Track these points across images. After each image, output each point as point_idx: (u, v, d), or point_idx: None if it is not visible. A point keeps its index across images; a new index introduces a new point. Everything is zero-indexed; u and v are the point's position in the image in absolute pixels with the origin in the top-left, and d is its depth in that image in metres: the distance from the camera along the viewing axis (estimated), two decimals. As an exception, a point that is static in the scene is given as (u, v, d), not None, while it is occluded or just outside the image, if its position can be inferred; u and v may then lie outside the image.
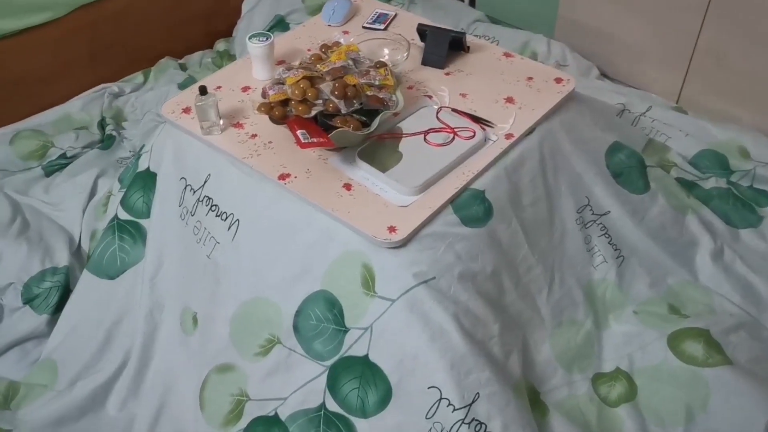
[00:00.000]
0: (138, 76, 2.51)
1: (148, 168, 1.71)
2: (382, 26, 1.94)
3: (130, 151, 2.19)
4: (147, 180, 1.70)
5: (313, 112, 1.50)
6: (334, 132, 1.47)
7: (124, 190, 1.74)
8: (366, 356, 1.39)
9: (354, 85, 1.52)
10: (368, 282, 1.39)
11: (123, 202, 1.72)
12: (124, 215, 1.72)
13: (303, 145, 1.42)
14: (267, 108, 1.51)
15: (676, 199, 1.86)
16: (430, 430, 1.35)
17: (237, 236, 1.52)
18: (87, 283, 1.71)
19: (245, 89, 1.75)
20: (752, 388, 1.49)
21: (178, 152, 1.65)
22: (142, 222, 1.70)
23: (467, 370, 1.35)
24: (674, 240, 1.81)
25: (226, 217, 1.54)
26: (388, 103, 1.55)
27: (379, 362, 1.38)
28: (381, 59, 1.68)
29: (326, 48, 1.70)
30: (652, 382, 1.57)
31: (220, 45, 2.66)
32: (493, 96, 1.72)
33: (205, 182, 1.59)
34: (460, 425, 1.32)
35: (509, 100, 1.71)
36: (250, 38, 1.71)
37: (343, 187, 1.49)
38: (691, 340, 1.60)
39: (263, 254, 1.50)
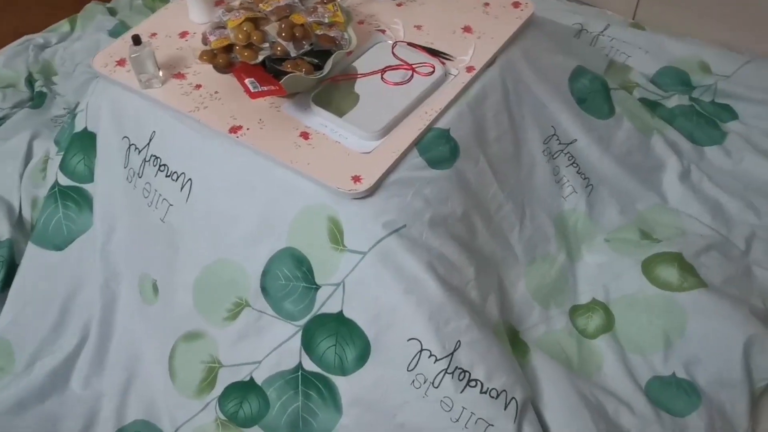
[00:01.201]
0: (64, 25, 2.32)
1: (86, 128, 1.58)
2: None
3: (64, 109, 2.04)
4: (86, 141, 1.58)
5: (260, 58, 1.39)
6: (284, 78, 1.36)
7: (62, 153, 1.61)
8: (340, 313, 1.33)
9: (302, 25, 1.41)
10: (336, 236, 1.32)
11: (62, 167, 1.60)
12: (65, 181, 1.60)
13: (253, 95, 1.32)
14: (209, 56, 1.39)
15: (641, 121, 1.82)
16: (413, 382, 1.31)
17: (191, 197, 1.42)
18: (34, 255, 1.59)
19: (183, 35, 1.62)
20: (728, 309, 1.49)
21: (117, 109, 1.52)
22: (86, 187, 1.58)
23: (446, 318, 1.31)
24: (641, 164, 1.78)
25: (177, 177, 1.44)
26: (340, 41, 1.44)
27: (354, 318, 1.33)
28: (328, -7, 1.56)
29: (268, -16, 1.56)
30: (628, 312, 1.55)
31: (150, -16, 2.47)
32: (449, 26, 1.62)
33: (150, 140, 1.48)
34: (443, 375, 1.29)
35: (467, 29, 1.61)
36: (183, -22, 1.57)
37: (300, 136, 1.39)
38: (665, 265, 1.58)
39: (221, 214, 1.41)
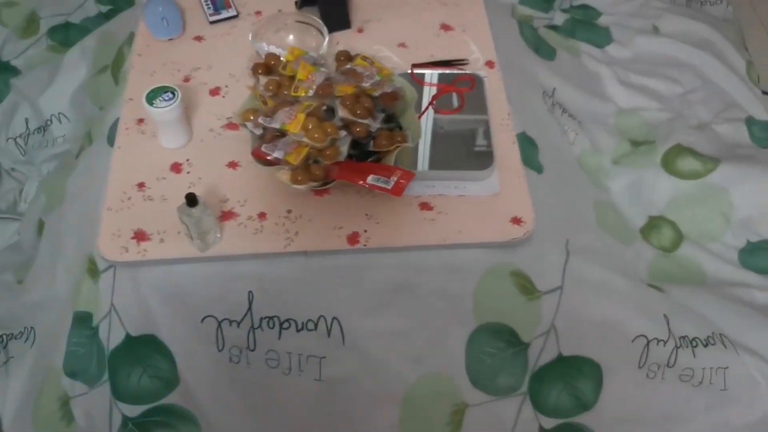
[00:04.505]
0: None
1: (128, 335, 1.20)
2: (231, 10, 1.53)
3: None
4: (136, 350, 1.20)
5: (345, 149, 1.17)
6: (395, 153, 1.17)
7: (103, 381, 1.21)
8: (559, 356, 1.25)
9: (356, 95, 1.21)
10: (527, 286, 1.22)
11: (119, 396, 1.21)
12: (134, 410, 1.21)
13: (396, 192, 1.11)
14: (305, 175, 1.13)
15: (567, 47, 1.90)
16: (647, 375, 1.30)
17: (347, 337, 1.18)
18: None
19: (176, 168, 1.28)
20: (749, 167, 1.68)
21: (176, 294, 1.18)
22: (169, 401, 1.22)
23: (645, 301, 1.31)
24: (590, 83, 1.88)
25: (316, 325, 1.18)
26: (400, 93, 1.27)
27: (575, 352, 1.26)
28: (309, 50, 1.34)
29: (265, 68, 1.29)
30: (684, 212, 1.67)
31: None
32: (427, 32, 1.51)
33: (251, 304, 1.18)
34: (675, 352, 1.29)
35: (445, 27, 1.52)
36: (150, 101, 1.22)
37: (422, 209, 1.23)
38: (679, 158, 1.72)
39: (392, 335, 1.20)
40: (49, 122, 1.74)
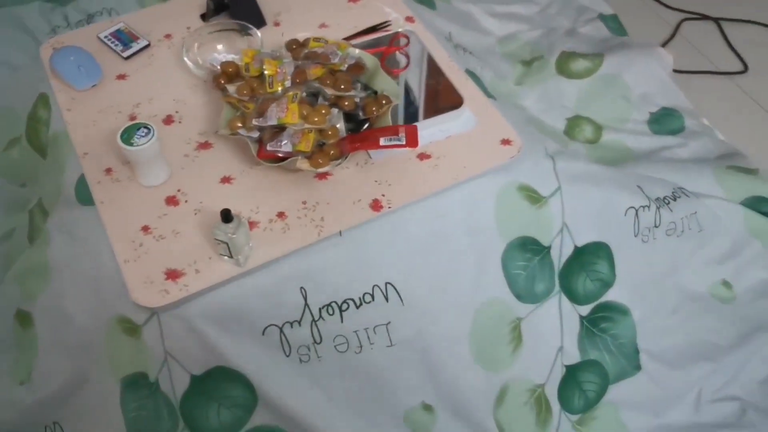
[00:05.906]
0: None
1: (192, 377, 1.17)
2: (141, 41, 1.48)
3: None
4: (204, 388, 1.17)
5: (342, 125, 1.21)
6: (388, 115, 1.23)
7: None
8: (575, 248, 1.38)
9: (330, 73, 1.25)
10: (534, 196, 1.33)
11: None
12: None
13: (412, 143, 1.17)
14: (325, 156, 1.15)
15: None
16: (642, 240, 1.45)
17: (404, 296, 1.23)
18: None
19: (172, 201, 1.24)
20: (625, 51, 1.91)
21: (229, 316, 1.16)
22: (256, 423, 1.20)
23: (618, 178, 1.46)
24: (468, 22, 2.01)
25: (372, 296, 1.21)
26: (361, 63, 1.31)
27: (586, 240, 1.39)
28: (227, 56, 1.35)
29: (226, 77, 1.27)
30: (592, 106, 1.86)
31: None
32: (339, 7, 1.56)
33: (306, 301, 1.19)
34: (658, 213, 1.46)
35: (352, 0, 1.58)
36: (126, 140, 1.17)
37: (422, 159, 1.29)
38: (571, 62, 1.91)
39: (441, 279, 1.26)
40: (-38, 218, 1.58)
